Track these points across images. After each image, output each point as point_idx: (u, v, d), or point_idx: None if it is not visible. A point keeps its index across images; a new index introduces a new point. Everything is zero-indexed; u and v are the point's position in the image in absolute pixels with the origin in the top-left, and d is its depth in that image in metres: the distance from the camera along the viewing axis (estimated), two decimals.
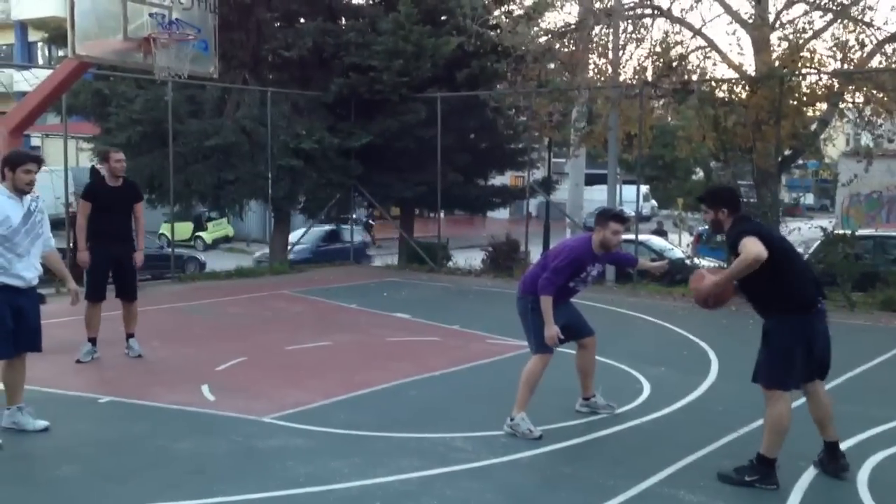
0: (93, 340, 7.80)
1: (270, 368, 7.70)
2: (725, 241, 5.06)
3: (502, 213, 28.34)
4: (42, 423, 5.75)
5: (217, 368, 7.54)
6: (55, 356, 8.04)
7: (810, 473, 5.02)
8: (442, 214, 17.24)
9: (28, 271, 5.53)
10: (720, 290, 4.88)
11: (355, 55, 15.64)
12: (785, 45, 13.44)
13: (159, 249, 20.09)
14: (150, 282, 13.96)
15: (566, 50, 15.06)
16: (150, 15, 9.85)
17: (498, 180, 19.76)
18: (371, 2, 17.67)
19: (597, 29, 14.52)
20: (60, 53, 19.02)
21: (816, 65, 13.38)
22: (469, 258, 16.87)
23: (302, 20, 16.65)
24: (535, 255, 17.87)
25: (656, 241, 18.10)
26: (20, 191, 5.51)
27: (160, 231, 24.07)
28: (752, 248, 4.59)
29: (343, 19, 17.12)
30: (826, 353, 4.90)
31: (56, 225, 21.81)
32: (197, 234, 28.85)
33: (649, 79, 14.03)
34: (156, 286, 13.53)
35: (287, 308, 11.33)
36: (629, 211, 25.40)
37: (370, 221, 29.48)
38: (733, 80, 13.75)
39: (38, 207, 5.63)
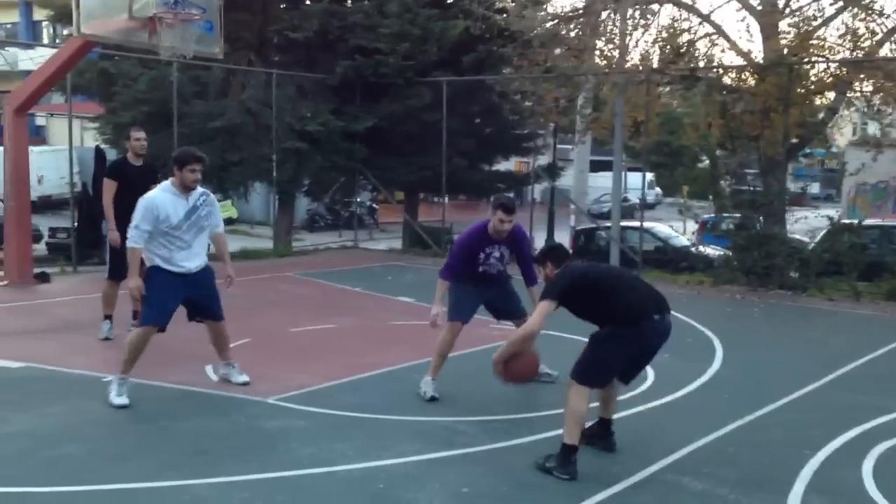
0: (109, 317, 7.85)
1: (274, 350, 7.69)
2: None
3: None
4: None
5: None
6: (59, 334, 8.09)
7: (815, 463, 5.00)
8: (446, 199, 17.19)
9: (189, 262, 5.97)
10: (511, 357, 5.10)
11: (361, 38, 15.54)
12: (794, 32, 13.32)
13: None
14: None
15: (573, 35, 14.96)
16: None
17: (502, 166, 19.71)
18: None
19: (604, 14, 14.42)
20: (65, 32, 18.96)
21: (826, 53, 13.28)
22: None
23: (308, 2, 16.55)
24: (539, 241, 17.86)
25: (661, 229, 18.04)
26: (187, 188, 5.93)
27: None
28: (527, 324, 4.98)
29: (349, 1, 17.02)
30: (645, 361, 5.08)
31: (60, 205, 21.87)
32: None
33: (656, 65, 13.95)
34: None
35: (291, 290, 11.31)
36: (634, 198, 25.32)
37: (373, 205, 29.44)
38: (741, 68, 13.65)
39: (206, 201, 6.08)
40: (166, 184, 6.02)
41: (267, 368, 6.95)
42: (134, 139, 7.78)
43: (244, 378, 6.39)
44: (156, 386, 6.37)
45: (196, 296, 6.08)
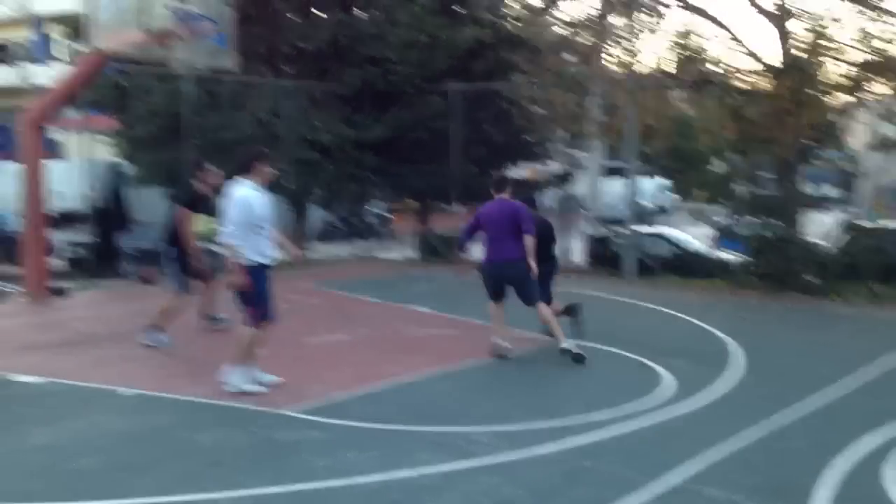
0: (164, 330, 8.16)
1: (289, 361, 7.68)
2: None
3: None
4: (273, 378, 6.73)
5: None
6: (77, 349, 8.13)
7: (837, 469, 4.94)
8: (459, 207, 17.16)
9: (274, 252, 6.57)
10: None
11: (371, 47, 15.60)
12: (809, 35, 13.24)
13: None
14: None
15: (583, 41, 14.94)
16: (168, 8, 9.86)
17: (514, 172, 19.65)
18: None
19: (614, 20, 14.37)
20: (80, 48, 19.12)
21: (839, 54, 13.18)
22: None
23: (318, 13, 16.63)
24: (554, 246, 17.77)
25: (675, 234, 17.90)
26: (268, 182, 6.48)
27: None
28: None
29: (359, 11, 17.08)
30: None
31: (76, 219, 21.82)
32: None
33: (668, 69, 13.90)
34: None
35: (305, 300, 11.32)
36: (645, 203, 25.22)
37: (387, 214, 29.44)
38: (755, 71, 13.57)
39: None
40: (249, 182, 6.36)
41: (282, 379, 6.95)
42: (214, 174, 8.34)
43: (272, 378, 6.73)
44: (171, 399, 6.38)
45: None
